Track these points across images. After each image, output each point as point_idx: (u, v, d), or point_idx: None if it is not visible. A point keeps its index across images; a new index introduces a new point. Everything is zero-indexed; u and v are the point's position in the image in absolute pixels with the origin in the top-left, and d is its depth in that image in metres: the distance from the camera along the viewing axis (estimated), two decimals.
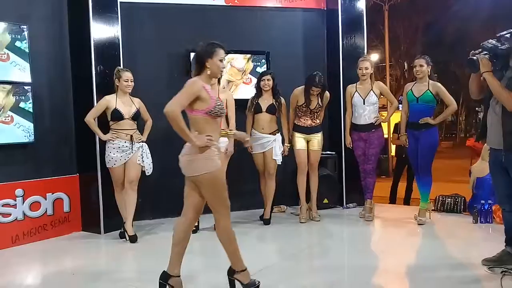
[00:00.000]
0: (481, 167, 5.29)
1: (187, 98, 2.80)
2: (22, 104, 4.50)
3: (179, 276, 2.99)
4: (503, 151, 3.22)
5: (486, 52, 3.23)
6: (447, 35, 18.75)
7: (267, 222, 5.09)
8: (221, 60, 2.98)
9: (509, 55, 3.17)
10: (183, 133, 2.75)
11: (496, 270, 3.35)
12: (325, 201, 5.75)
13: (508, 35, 3.21)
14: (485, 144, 5.52)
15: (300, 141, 5.12)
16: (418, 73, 4.89)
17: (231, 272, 3.02)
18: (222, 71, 3.09)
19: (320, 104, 5.10)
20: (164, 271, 2.99)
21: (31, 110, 4.54)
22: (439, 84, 4.88)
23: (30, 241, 4.54)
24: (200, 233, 4.76)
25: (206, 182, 2.87)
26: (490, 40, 3.26)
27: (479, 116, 29.14)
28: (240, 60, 5.67)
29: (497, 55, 3.20)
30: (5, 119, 4.40)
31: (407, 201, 6.79)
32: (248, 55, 5.68)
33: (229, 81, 5.62)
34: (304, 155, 5.11)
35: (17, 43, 4.50)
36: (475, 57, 3.27)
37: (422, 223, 4.94)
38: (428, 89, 4.84)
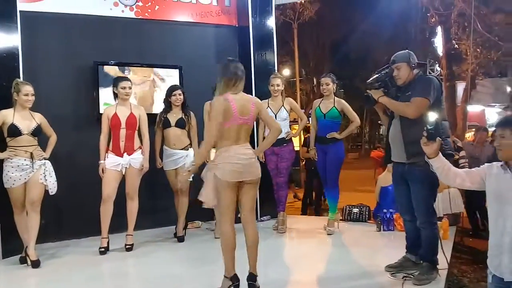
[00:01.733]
0: (386, 177, 5.69)
1: None
2: None
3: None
4: (406, 161, 3.47)
5: (371, 87, 3.67)
6: (352, 53, 19.99)
7: (181, 239, 4.99)
8: None
9: (389, 77, 3.58)
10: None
11: (398, 276, 3.57)
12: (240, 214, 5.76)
13: (382, 69, 3.70)
14: None
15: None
16: (324, 91, 5.15)
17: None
18: None
19: None
20: (250, 273, 3.33)
21: None
22: (344, 101, 5.18)
23: None
24: (110, 254, 4.55)
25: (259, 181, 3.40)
26: (370, 78, 3.72)
27: (382, 129, 31.32)
28: None
29: (380, 81, 3.63)
30: None
31: (317, 212, 7.06)
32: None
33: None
34: None
35: None
36: (367, 94, 3.70)
37: (331, 233, 5.15)
38: (334, 105, 5.11)
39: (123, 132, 4.54)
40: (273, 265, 4.20)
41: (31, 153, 4.14)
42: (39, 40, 5.01)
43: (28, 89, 4.17)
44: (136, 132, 4.63)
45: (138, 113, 4.62)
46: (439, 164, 2.56)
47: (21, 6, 4.73)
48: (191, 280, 3.84)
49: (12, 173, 4.09)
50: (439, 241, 3.52)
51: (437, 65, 16.67)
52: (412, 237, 3.67)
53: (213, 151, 3.42)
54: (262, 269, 4.16)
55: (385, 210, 5.22)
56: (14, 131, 4.09)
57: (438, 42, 15.39)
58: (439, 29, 14.66)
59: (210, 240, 5.09)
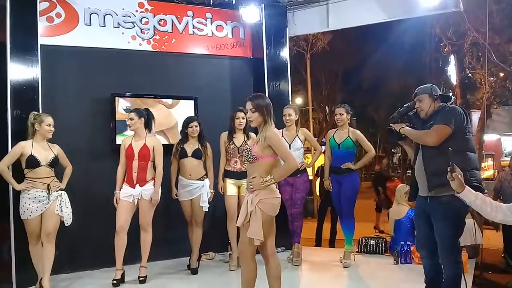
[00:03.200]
0: (397, 210, 5.60)
1: None
2: None
3: None
4: (427, 194, 3.37)
5: (394, 121, 3.68)
6: (365, 82, 20.03)
7: (194, 271, 4.94)
8: None
9: (412, 111, 3.62)
10: None
11: None
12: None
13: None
14: (398, 187, 5.89)
15: (230, 187, 5.04)
16: (338, 121, 5.15)
17: None
18: None
19: (247, 142, 5.04)
20: None
21: None
22: (359, 132, 5.17)
23: None
24: (122, 286, 4.51)
25: None
26: (393, 114, 3.72)
27: (396, 157, 31.01)
28: None
29: (403, 115, 3.65)
30: None
31: (332, 243, 6.94)
32: None
33: None
34: (234, 202, 5.03)
35: None
36: (390, 127, 3.68)
37: (347, 266, 5.06)
38: (349, 136, 5.09)
39: (135, 163, 4.57)
40: None
41: (48, 185, 4.18)
42: (58, 73, 5.12)
43: (50, 120, 4.26)
44: (150, 163, 4.64)
45: (152, 145, 4.64)
46: (471, 199, 2.51)
47: (42, 40, 4.87)
48: None
49: (29, 204, 4.12)
50: (463, 278, 3.39)
51: (451, 93, 16.61)
52: (431, 273, 3.55)
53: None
54: None
55: (402, 243, 5.13)
56: (33, 162, 4.14)
57: (452, 71, 15.37)
58: (452, 58, 14.67)
59: (224, 272, 5.03)
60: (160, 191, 4.65)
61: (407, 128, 3.57)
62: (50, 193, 4.18)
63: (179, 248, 5.39)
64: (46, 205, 4.16)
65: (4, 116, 4.47)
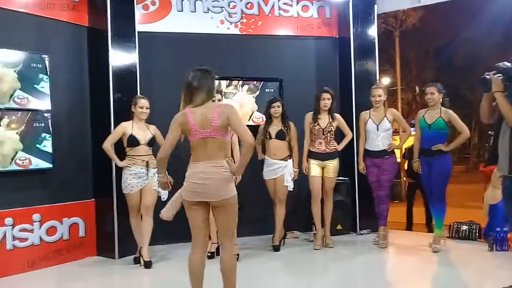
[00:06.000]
0: (493, 194, 5.27)
1: None
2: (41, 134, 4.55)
3: None
4: (507, 174, 3.16)
5: (500, 74, 3.18)
6: (458, 59, 18.80)
7: (276, 248, 5.08)
8: None
9: None
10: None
11: None
12: (339, 227, 5.73)
13: None
14: (495, 170, 5.51)
15: (314, 168, 5.11)
16: (429, 100, 4.93)
17: None
18: None
19: (332, 124, 5.10)
20: None
21: (50, 138, 4.61)
22: (451, 112, 4.90)
23: (46, 265, 4.59)
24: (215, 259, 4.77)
25: (234, 203, 2.99)
26: (506, 62, 3.21)
27: (491, 140, 28.92)
28: None
29: (510, 77, 3.16)
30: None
31: (429, 226, 6.55)
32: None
33: None
34: (318, 183, 5.11)
35: (38, 72, 4.57)
36: (488, 76, 3.24)
37: (437, 251, 4.89)
38: (440, 116, 4.86)
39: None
40: (374, 281, 4.12)
41: (147, 162, 4.52)
42: (153, 58, 5.43)
43: (144, 102, 4.57)
44: None
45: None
46: None
47: (139, 27, 5.19)
48: None
49: (130, 180, 4.49)
50: None
51: None
52: None
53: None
54: (360, 285, 4.11)
55: (498, 229, 4.85)
56: (133, 141, 4.49)
57: None
58: None
59: (307, 250, 5.14)
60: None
61: (501, 94, 3.16)
62: (149, 169, 4.51)
63: (265, 226, 5.55)
64: (145, 181, 4.51)
65: (107, 98, 4.86)
